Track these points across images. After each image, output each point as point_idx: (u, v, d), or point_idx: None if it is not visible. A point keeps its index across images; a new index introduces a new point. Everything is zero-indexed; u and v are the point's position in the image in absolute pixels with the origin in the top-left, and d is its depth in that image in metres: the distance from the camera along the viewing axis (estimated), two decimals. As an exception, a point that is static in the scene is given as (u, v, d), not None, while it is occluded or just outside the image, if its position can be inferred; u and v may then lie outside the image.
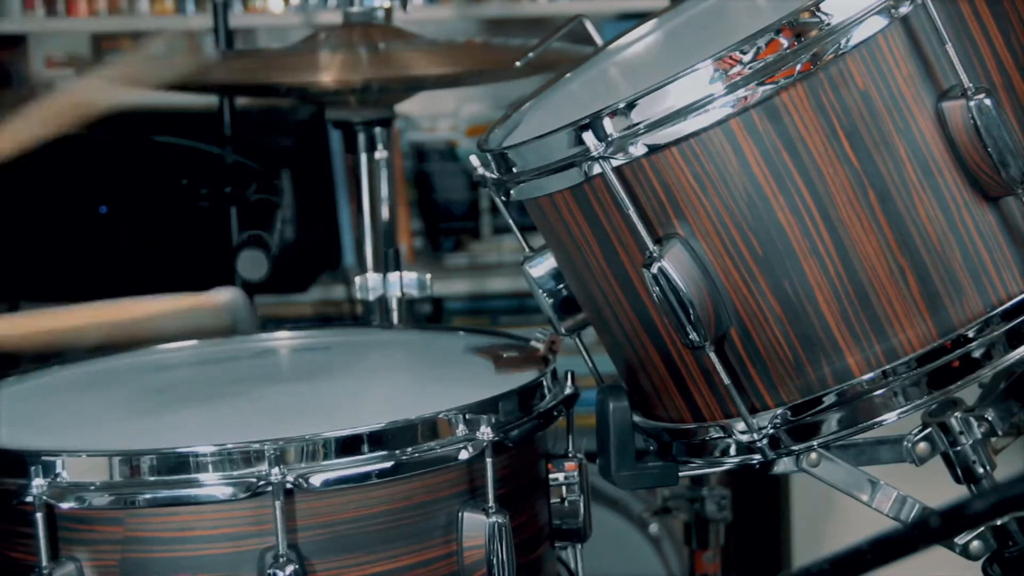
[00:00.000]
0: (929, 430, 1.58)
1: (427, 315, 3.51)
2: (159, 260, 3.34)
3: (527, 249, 1.71)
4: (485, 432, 1.52)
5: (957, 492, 1.43)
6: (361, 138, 2.30)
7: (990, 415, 1.59)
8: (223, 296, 1.64)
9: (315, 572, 1.48)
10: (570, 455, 1.68)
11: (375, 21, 2.28)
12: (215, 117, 2.63)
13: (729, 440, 1.56)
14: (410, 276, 2.17)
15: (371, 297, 2.19)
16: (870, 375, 1.49)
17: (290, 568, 1.45)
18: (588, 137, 1.48)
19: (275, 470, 1.45)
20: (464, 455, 1.52)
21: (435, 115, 3.69)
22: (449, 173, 3.65)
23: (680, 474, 1.64)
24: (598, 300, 1.61)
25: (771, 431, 1.52)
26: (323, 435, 1.49)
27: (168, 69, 1.74)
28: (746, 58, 1.44)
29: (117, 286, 3.39)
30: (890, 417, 1.49)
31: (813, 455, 1.54)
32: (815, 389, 1.50)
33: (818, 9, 1.43)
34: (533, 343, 1.76)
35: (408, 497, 1.51)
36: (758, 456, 1.54)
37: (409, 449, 1.51)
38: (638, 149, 1.48)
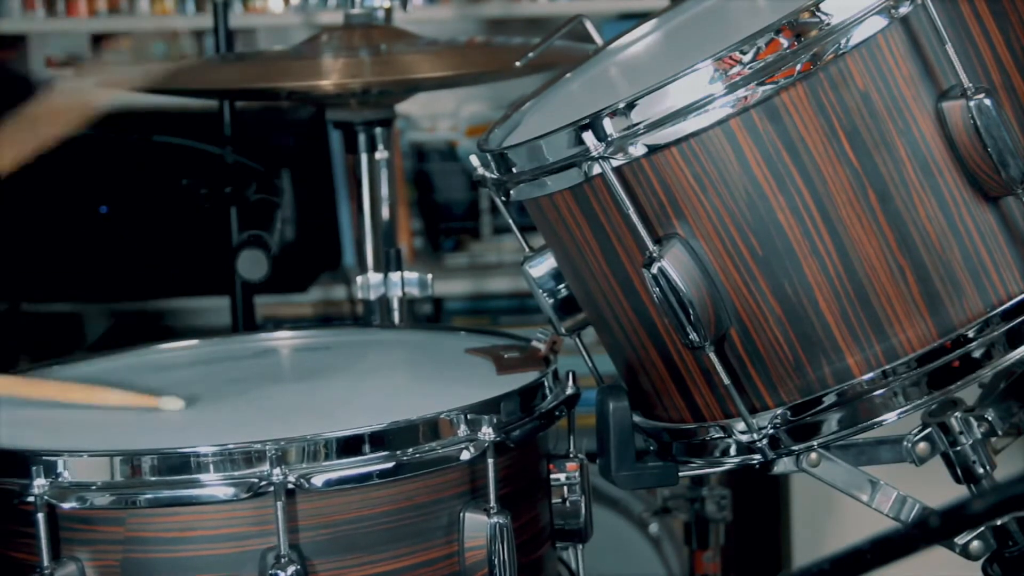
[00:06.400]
0: (929, 430, 1.58)
1: (427, 315, 3.51)
2: (159, 260, 3.34)
3: (527, 249, 1.71)
4: (487, 432, 1.53)
5: (957, 492, 1.43)
6: (362, 138, 2.31)
7: (990, 415, 1.59)
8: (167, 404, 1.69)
9: (316, 572, 1.48)
10: (571, 455, 1.68)
11: (375, 22, 2.28)
12: (215, 117, 2.63)
13: (729, 440, 1.56)
14: (411, 276, 2.17)
15: (372, 297, 2.19)
16: (870, 375, 1.49)
17: (292, 568, 1.45)
18: (588, 137, 1.48)
19: (276, 470, 1.45)
20: (466, 455, 1.52)
21: (435, 115, 3.69)
22: (449, 173, 3.64)
23: (680, 474, 1.64)
24: (598, 300, 1.61)
25: (771, 431, 1.53)
26: (324, 435, 1.49)
27: (146, 70, 1.74)
28: (746, 58, 1.44)
29: (117, 286, 3.41)
30: (890, 417, 1.50)
31: (813, 455, 1.54)
32: (815, 389, 1.51)
33: (818, 9, 1.43)
34: (534, 343, 1.76)
35: (410, 497, 1.52)
36: (758, 456, 1.54)
37: (410, 449, 1.51)
38: (638, 149, 1.48)
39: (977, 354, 1.47)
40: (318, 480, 1.47)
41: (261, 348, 1.96)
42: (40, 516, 1.45)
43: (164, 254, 3.33)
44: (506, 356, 1.75)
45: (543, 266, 1.69)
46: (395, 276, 2.18)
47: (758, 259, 1.48)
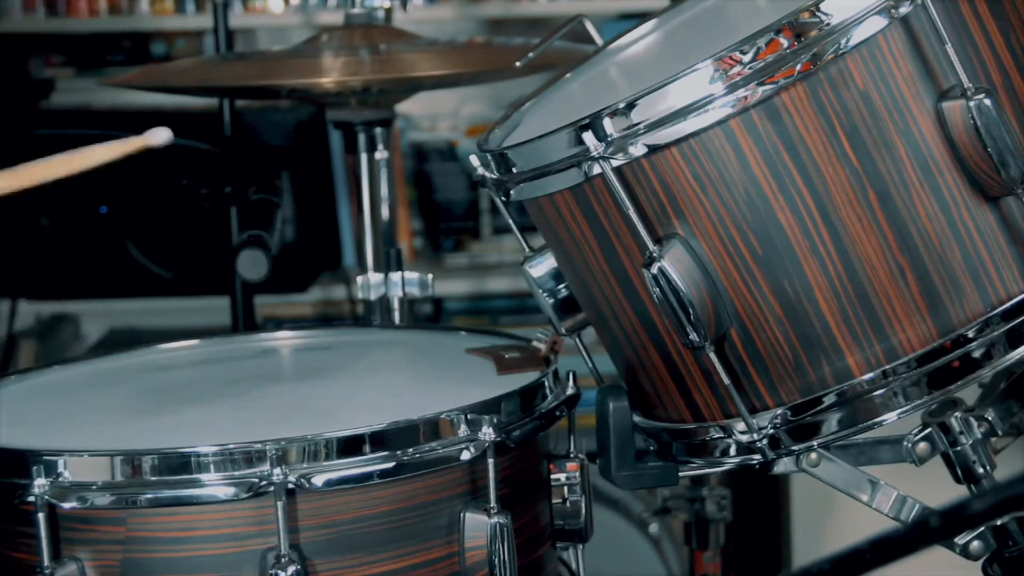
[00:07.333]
0: (929, 430, 1.58)
1: (427, 315, 3.51)
2: (159, 260, 3.34)
3: (527, 249, 1.71)
4: (487, 432, 1.53)
5: (957, 492, 1.43)
6: (361, 138, 2.31)
7: (990, 415, 1.59)
8: (156, 137, 1.65)
9: (317, 572, 1.48)
10: (571, 455, 1.68)
11: (375, 22, 2.28)
12: (215, 117, 2.63)
13: (729, 440, 1.56)
14: (411, 276, 2.18)
15: (372, 297, 2.19)
16: (870, 375, 1.49)
17: (292, 568, 1.45)
18: (588, 137, 1.48)
19: (277, 470, 1.45)
20: (466, 455, 1.52)
21: (435, 115, 3.69)
22: (449, 173, 3.65)
23: (680, 474, 1.64)
24: (598, 300, 1.61)
25: (771, 431, 1.53)
26: (325, 435, 1.49)
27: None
28: (746, 58, 1.44)
29: (117, 286, 3.41)
30: (890, 417, 1.50)
31: (813, 455, 1.54)
32: (815, 389, 1.51)
33: (818, 9, 1.43)
34: (534, 343, 1.76)
35: (410, 497, 1.52)
36: (758, 456, 1.54)
37: (411, 449, 1.51)
38: (638, 149, 1.48)
39: (977, 354, 1.47)
40: (318, 480, 1.47)
41: (261, 348, 1.96)
42: (40, 516, 1.45)
43: (164, 254, 3.33)
44: (506, 356, 1.75)
45: (543, 266, 1.69)
46: (395, 276, 2.18)
47: (758, 259, 1.48)
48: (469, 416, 1.54)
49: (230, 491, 1.46)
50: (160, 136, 1.58)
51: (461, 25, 3.67)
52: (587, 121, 1.48)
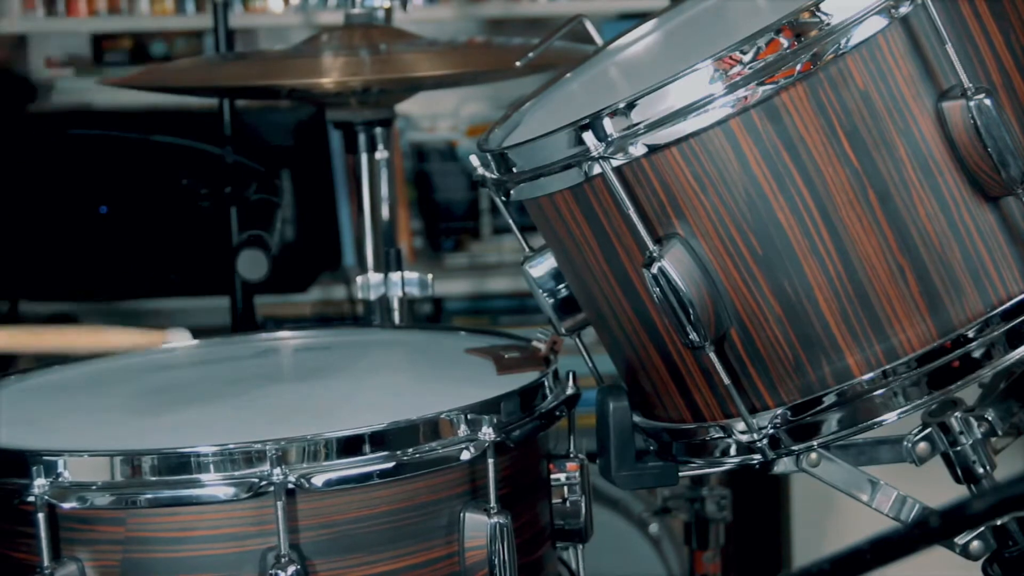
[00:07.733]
0: (929, 430, 1.58)
1: (427, 315, 3.52)
2: (159, 260, 3.34)
3: (527, 249, 1.71)
4: (487, 432, 1.53)
5: (957, 492, 1.43)
6: (361, 138, 2.31)
7: (990, 415, 1.59)
8: (171, 336, 1.74)
9: (316, 572, 1.48)
10: (571, 455, 1.68)
11: (375, 22, 2.28)
12: (215, 117, 2.63)
13: (729, 440, 1.56)
14: (411, 276, 2.18)
15: (372, 297, 2.19)
16: (870, 375, 1.49)
17: (292, 568, 1.45)
18: (588, 137, 1.48)
19: (277, 470, 1.45)
20: (466, 455, 1.52)
21: (435, 115, 3.69)
22: (449, 173, 3.65)
23: (680, 474, 1.64)
24: (598, 300, 1.61)
25: (771, 431, 1.53)
26: (325, 435, 1.49)
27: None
28: (746, 58, 1.44)
29: (117, 286, 3.41)
30: (890, 417, 1.50)
31: (813, 455, 1.54)
32: (815, 389, 1.51)
33: (818, 9, 1.43)
34: (534, 343, 1.76)
35: (410, 497, 1.52)
36: (758, 456, 1.54)
37: (411, 449, 1.51)
38: (638, 149, 1.48)
39: (977, 354, 1.47)
40: (318, 480, 1.47)
41: (261, 348, 1.96)
42: (40, 516, 1.45)
43: (164, 254, 3.33)
44: (506, 356, 1.75)
45: (543, 266, 1.69)
46: (395, 276, 2.18)
47: (758, 259, 1.48)
48: (469, 416, 1.54)
49: (230, 491, 1.46)
50: (179, 336, 1.69)
51: (461, 25, 3.67)
52: (587, 121, 1.48)
